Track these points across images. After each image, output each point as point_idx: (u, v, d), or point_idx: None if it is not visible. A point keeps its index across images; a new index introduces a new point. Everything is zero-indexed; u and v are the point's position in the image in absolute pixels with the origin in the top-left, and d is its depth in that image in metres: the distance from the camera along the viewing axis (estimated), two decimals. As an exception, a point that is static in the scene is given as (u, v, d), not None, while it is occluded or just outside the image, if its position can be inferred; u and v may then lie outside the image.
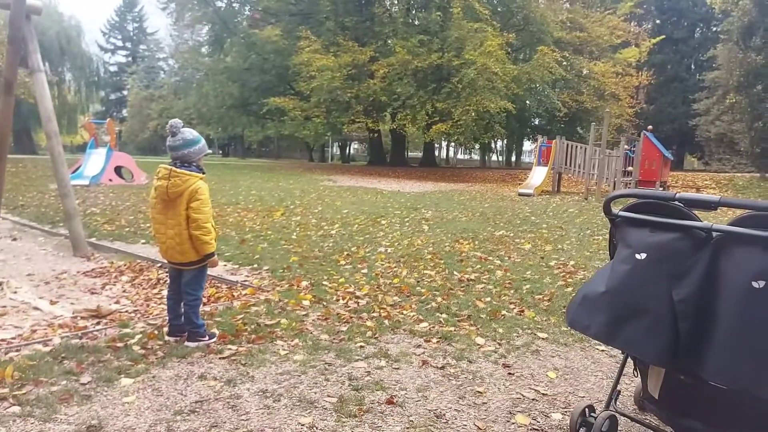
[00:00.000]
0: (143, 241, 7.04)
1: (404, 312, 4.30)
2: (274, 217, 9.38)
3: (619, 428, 2.53)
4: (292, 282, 5.01)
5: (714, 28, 31.47)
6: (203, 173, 3.42)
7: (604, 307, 2.28)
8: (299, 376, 3.03)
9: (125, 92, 59.26)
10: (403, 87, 22.19)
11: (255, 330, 3.70)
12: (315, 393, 2.83)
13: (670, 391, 2.32)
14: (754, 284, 1.88)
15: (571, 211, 11.88)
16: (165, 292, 4.72)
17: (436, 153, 41.87)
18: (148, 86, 53.93)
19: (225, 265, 5.74)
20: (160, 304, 4.43)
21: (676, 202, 2.20)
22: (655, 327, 2.09)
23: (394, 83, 22.49)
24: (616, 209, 2.46)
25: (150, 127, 50.85)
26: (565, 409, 2.79)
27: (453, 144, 45.25)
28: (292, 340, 3.55)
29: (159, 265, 5.74)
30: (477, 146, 37.38)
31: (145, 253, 6.22)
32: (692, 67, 34.48)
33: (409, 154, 43.26)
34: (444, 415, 2.66)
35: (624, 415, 2.58)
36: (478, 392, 2.92)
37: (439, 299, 4.65)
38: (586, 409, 2.52)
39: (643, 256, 2.19)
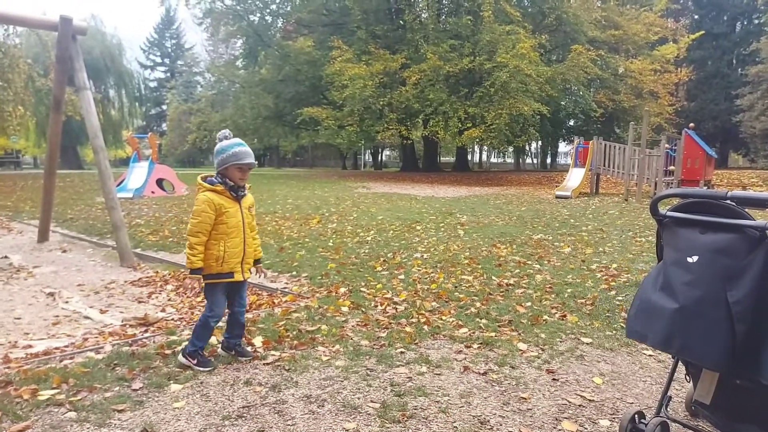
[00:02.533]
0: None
1: (443, 317, 4.28)
2: (310, 225, 9.49)
3: (671, 435, 2.45)
4: (330, 288, 5.06)
5: (756, 21, 30.37)
6: (225, 185, 3.18)
7: (657, 314, 2.22)
8: (342, 381, 3.06)
9: (164, 107, 61.11)
10: (435, 93, 22.15)
11: (297, 336, 3.75)
12: (358, 398, 2.85)
13: (726, 396, 2.24)
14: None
15: (611, 213, 11.61)
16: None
17: (469, 157, 41.58)
18: (186, 100, 55.47)
19: (265, 273, 5.83)
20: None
21: (728, 201, 2.13)
22: (711, 331, 2.03)
23: (426, 89, 22.48)
24: (663, 210, 2.40)
25: (189, 140, 52.21)
26: (614, 416, 2.72)
27: (486, 148, 44.87)
28: (333, 346, 3.58)
29: (201, 273, 5.88)
30: (511, 149, 36.98)
31: (187, 263, 6.39)
32: (734, 62, 33.31)
33: (442, 159, 43.13)
34: (488, 421, 2.64)
35: (676, 421, 2.50)
36: (523, 398, 2.88)
37: (478, 304, 4.62)
38: (636, 416, 2.45)
39: (695, 258, 2.13)
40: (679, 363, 2.50)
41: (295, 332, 3.82)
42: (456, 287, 5.21)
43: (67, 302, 4.91)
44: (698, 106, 32.05)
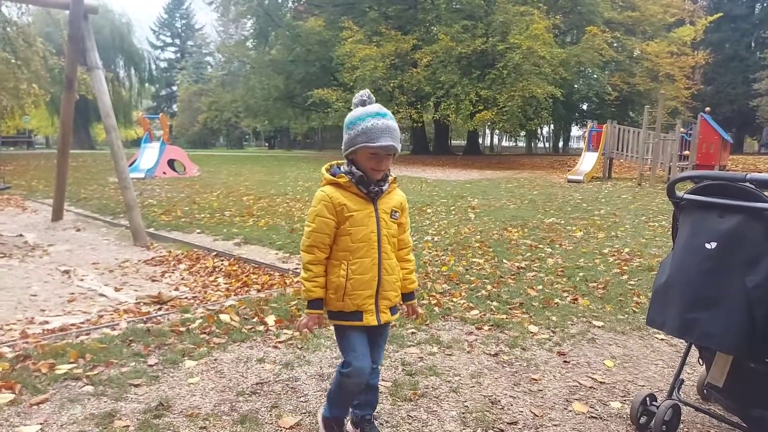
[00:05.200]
0: (198, 230, 7.28)
1: (454, 299, 4.29)
2: (321, 207, 9.51)
3: (681, 418, 2.46)
4: (342, 270, 5.08)
5: (778, 2, 29.65)
6: (352, 177, 2.03)
7: (674, 300, 2.21)
8: (354, 360, 3.08)
9: (175, 87, 61.12)
10: (446, 75, 21.92)
11: (309, 316, 3.77)
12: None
13: (740, 381, 2.23)
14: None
15: (624, 197, 11.51)
16: (221, 280, 4.90)
17: (480, 141, 41.28)
18: (197, 81, 55.43)
19: (276, 254, 5.87)
20: (216, 290, 4.59)
21: (747, 184, 2.10)
22: (731, 317, 2.01)
23: (437, 71, 22.25)
24: (680, 192, 2.38)
25: (199, 120, 52.30)
26: (624, 398, 2.72)
27: (497, 131, 44.54)
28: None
29: (214, 253, 5.94)
30: (522, 133, 36.65)
31: (200, 242, 6.44)
32: (752, 45, 32.61)
33: (453, 142, 42.87)
34: (499, 401, 2.65)
35: (687, 404, 2.50)
36: (533, 379, 2.89)
37: (489, 287, 4.62)
38: (647, 398, 2.46)
39: (714, 245, 2.11)
40: (692, 347, 2.50)
41: (307, 312, 3.84)
42: (467, 270, 5.21)
43: (82, 280, 4.98)
44: (715, 90, 31.50)
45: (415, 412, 2.53)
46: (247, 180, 15.05)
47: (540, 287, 4.65)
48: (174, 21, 62.53)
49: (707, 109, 17.83)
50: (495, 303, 4.19)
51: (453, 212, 9.12)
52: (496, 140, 55.60)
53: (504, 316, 3.88)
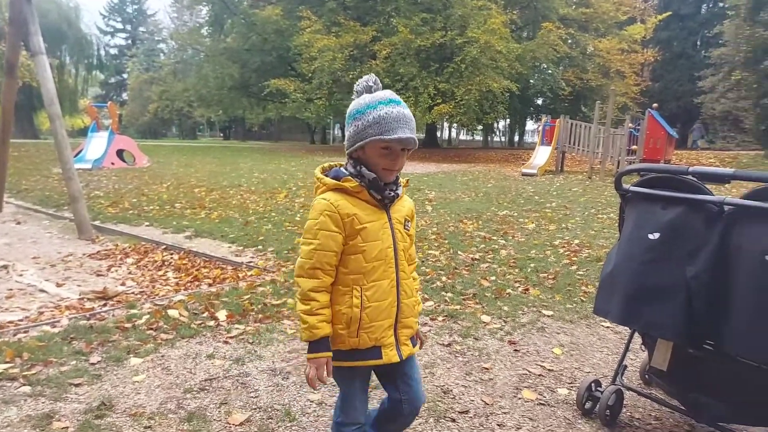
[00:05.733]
0: (147, 223, 7.04)
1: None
2: (277, 199, 9.37)
3: (624, 402, 2.54)
4: (297, 262, 5.01)
5: (721, 4, 30.96)
6: (362, 180, 1.64)
7: (619, 289, 2.27)
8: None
9: (125, 75, 58.93)
10: (405, 68, 21.94)
11: (262, 310, 3.71)
12: (323, 371, 2.85)
13: (679, 366, 2.32)
14: (767, 258, 1.87)
15: (575, 190, 11.83)
16: (170, 274, 4.76)
17: (438, 134, 41.62)
18: (148, 69, 53.59)
19: (229, 247, 5.75)
20: (165, 285, 4.45)
21: (690, 176, 2.18)
22: (671, 305, 2.09)
23: (396, 64, 22.23)
24: (627, 185, 2.44)
25: (150, 110, 50.63)
26: (571, 384, 2.80)
27: (455, 125, 45.01)
28: (298, 320, 3.56)
29: (164, 247, 5.76)
30: (480, 127, 37.17)
31: (149, 236, 6.24)
32: (698, 43, 34.04)
33: (412, 135, 43.01)
34: (451, 390, 2.68)
35: (630, 389, 2.59)
36: (485, 368, 2.93)
37: (444, 278, 4.66)
38: (593, 384, 2.53)
39: (657, 236, 2.18)
40: (635, 334, 2.58)
41: (260, 306, 3.78)
42: (423, 262, 5.24)
43: (21, 275, 4.73)
44: (662, 87, 32.73)
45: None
46: (198, 171, 14.68)
47: (493, 278, 4.72)
48: (125, 6, 60.14)
49: (654, 105, 18.51)
50: (449, 294, 4.23)
51: (410, 204, 9.15)
52: (453, 133, 56.19)
53: (458, 307, 3.92)
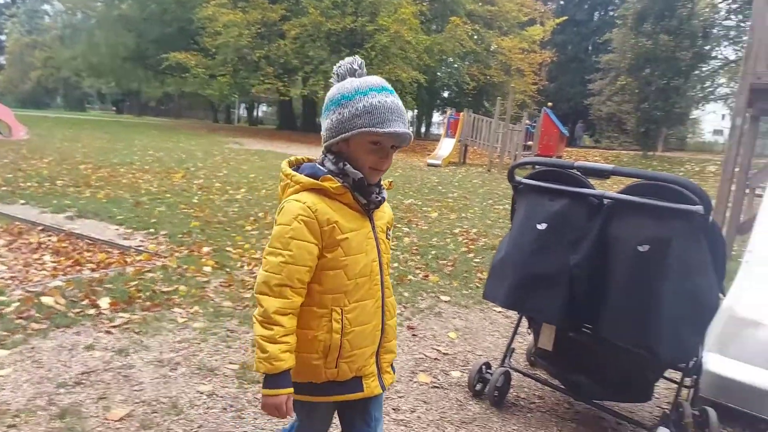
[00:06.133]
0: (23, 201, 6.36)
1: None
2: (173, 180, 8.86)
3: (512, 383, 2.68)
4: (192, 248, 4.77)
5: (611, 13, 33.50)
6: (344, 179, 1.37)
7: (508, 275, 2.38)
8: (199, 343, 2.91)
9: (3, 37, 52.76)
10: (315, 50, 21.59)
11: (150, 297, 3.48)
12: (216, 360, 2.73)
13: (560, 348, 2.48)
14: (639, 248, 2.03)
15: (475, 182, 12.33)
16: (47, 257, 4.34)
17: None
18: (31, 32, 48.37)
19: (117, 229, 5.34)
20: (41, 270, 4.04)
21: (575, 171, 2.32)
22: (555, 292, 2.22)
23: (306, 45, 21.82)
24: (519, 177, 2.55)
25: (32, 77, 45.82)
26: (464, 367, 2.90)
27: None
28: (191, 308, 3.38)
29: (40, 228, 5.24)
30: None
31: (24, 215, 5.64)
32: (590, 48, 36.60)
33: (320, 120, 42.59)
34: (348, 377, 2.68)
35: (517, 370, 2.74)
36: (383, 354, 2.96)
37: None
38: (483, 366, 2.64)
39: (544, 226, 2.30)
40: (523, 318, 2.73)
41: (148, 293, 3.54)
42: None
43: None
44: (557, 87, 34.89)
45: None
46: (86, 147, 13.51)
47: (396, 265, 4.79)
48: (1, -43, 53.72)
49: (549, 103, 19.72)
50: (351, 280, 4.22)
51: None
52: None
53: (359, 294, 3.93)
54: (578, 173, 2.32)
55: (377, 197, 1.41)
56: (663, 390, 2.82)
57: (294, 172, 1.38)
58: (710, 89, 30.19)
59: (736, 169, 5.89)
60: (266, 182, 9.36)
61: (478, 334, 3.42)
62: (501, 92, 24.51)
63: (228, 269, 4.23)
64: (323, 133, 1.39)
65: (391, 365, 1.55)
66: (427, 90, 27.67)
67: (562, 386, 2.59)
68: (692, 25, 20.86)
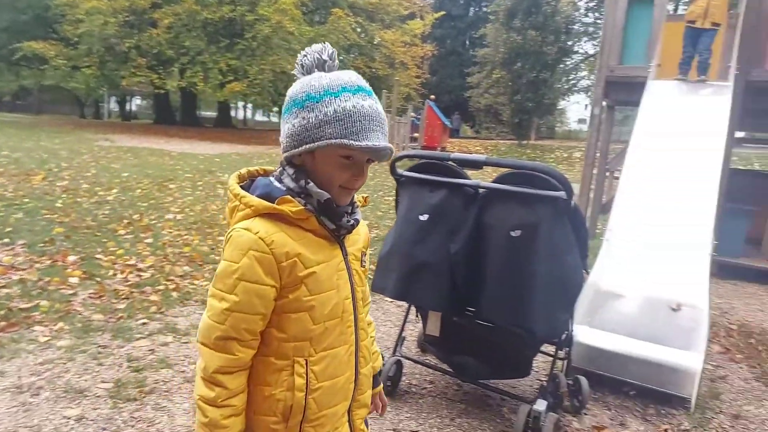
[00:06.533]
0: None
1: (196, 282, 4.03)
2: (32, 182, 7.96)
3: (404, 371, 2.73)
4: (55, 257, 4.30)
5: (485, 8, 35.35)
6: (306, 202, 1.08)
7: (395, 267, 2.41)
8: (65, 363, 2.63)
9: None
10: (191, 40, 20.45)
11: (5, 316, 3.09)
12: (85, 381, 2.48)
13: (446, 333, 2.56)
14: (512, 233, 2.14)
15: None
16: None
17: (233, 114, 40.04)
18: None
19: (-37, 242, 4.68)
20: None
21: (451, 162, 2.39)
22: (437, 280, 2.28)
23: (181, 35, 20.58)
24: (401, 170, 2.59)
25: None
26: (357, 362, 2.90)
27: (250, 105, 43.77)
28: (55, 324, 3.05)
29: None
30: (275, 109, 36.77)
31: None
32: (467, 43, 38.39)
33: (202, 113, 40.66)
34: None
35: (408, 358, 2.79)
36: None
37: (234, 265, 4.46)
38: (374, 358, 2.66)
39: (426, 217, 2.35)
40: (412, 307, 2.79)
41: (2, 312, 3.14)
42: (212, 249, 4.95)
43: None
44: (438, 80, 36.22)
45: (140, 412, 2.27)
46: (-77, 148, 11.73)
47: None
48: None
49: (432, 96, 20.41)
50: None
51: (200, 188, 8.60)
52: (249, 113, 54.60)
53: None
54: (454, 164, 2.39)
55: (348, 221, 1.12)
56: (541, 363, 3.03)
57: (243, 193, 1.09)
58: (573, 81, 33.10)
59: (597, 155, 6.48)
60: (141, 181, 8.73)
61: (370, 326, 3.44)
62: (386, 85, 24.93)
63: (98, 279, 3.88)
64: (282, 139, 1.10)
65: (365, 421, 1.29)
66: (315, 83, 27.39)
67: (450, 369, 2.68)
68: (556, 21, 22.66)
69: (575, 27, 27.83)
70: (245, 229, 1.04)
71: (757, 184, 6.02)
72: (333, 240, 1.12)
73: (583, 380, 2.58)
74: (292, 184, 1.08)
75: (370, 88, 1.09)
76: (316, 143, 1.04)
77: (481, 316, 2.32)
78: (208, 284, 3.90)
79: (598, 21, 26.29)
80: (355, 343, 1.18)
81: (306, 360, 1.09)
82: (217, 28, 21.47)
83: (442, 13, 29.99)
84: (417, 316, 2.86)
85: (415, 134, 17.35)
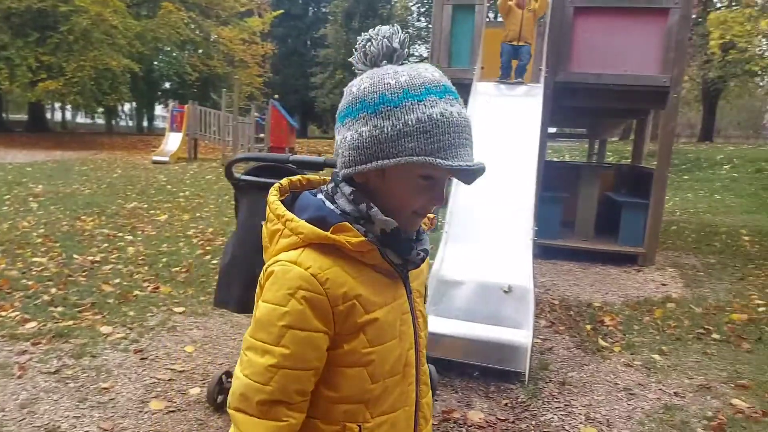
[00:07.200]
0: None
1: (3, 313, 3.46)
2: None
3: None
4: None
5: (323, 9, 35.65)
6: (368, 232, 0.85)
7: (239, 279, 2.28)
8: None
9: None
10: (-9, 33, 17.67)
11: None
12: None
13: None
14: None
15: (208, 178, 11.81)
16: None
17: (49, 116, 35.45)
18: None
19: None
20: None
21: (290, 165, 2.33)
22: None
23: (-23, 27, 17.67)
24: (237, 174, 2.46)
25: None
26: (204, 381, 2.72)
27: (69, 105, 39.14)
28: None
29: None
30: (100, 109, 33.29)
31: None
32: (308, 43, 38.41)
33: (10, 115, 35.41)
34: (59, 427, 2.24)
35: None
36: (104, 389, 2.57)
37: (53, 290, 3.92)
38: (223, 376, 2.51)
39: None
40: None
41: None
42: (24, 273, 4.30)
43: None
44: (282, 80, 35.72)
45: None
46: None
47: (117, 281, 4.24)
48: None
49: (276, 96, 20.08)
50: (60, 308, 3.58)
51: (7, 202, 7.45)
52: (69, 116, 48.74)
53: (71, 323, 3.35)
54: (294, 167, 2.34)
55: (418, 253, 0.91)
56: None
57: (290, 215, 0.86)
58: (411, 82, 34.76)
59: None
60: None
61: (219, 342, 3.25)
62: (227, 84, 23.94)
63: None
64: (342, 151, 0.86)
65: None
66: (145, 80, 25.38)
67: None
68: (392, 24, 23.67)
69: (409, 31, 29.33)
70: (292, 263, 0.83)
71: (568, 174, 6.86)
72: (396, 276, 0.91)
73: (432, 368, 2.70)
74: (348, 207, 0.86)
75: (454, 88, 0.86)
76: (391, 160, 0.81)
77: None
78: (19, 314, 3.39)
79: (430, 26, 28.03)
80: (416, 403, 0.97)
81: (360, 426, 0.88)
82: (24, 20, 18.80)
83: (281, 11, 29.62)
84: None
85: (261, 134, 16.90)
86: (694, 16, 15.84)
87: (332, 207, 0.87)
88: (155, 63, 25.31)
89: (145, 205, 7.83)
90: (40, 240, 5.37)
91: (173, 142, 16.23)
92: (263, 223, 0.93)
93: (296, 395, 0.83)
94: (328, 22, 27.84)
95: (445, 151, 0.80)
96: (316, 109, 32.26)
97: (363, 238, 0.83)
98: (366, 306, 0.85)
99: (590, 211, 6.47)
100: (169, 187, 10.03)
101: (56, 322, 3.33)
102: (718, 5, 20.46)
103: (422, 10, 31.15)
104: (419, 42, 31.88)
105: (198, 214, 7.34)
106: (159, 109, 39.86)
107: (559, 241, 5.93)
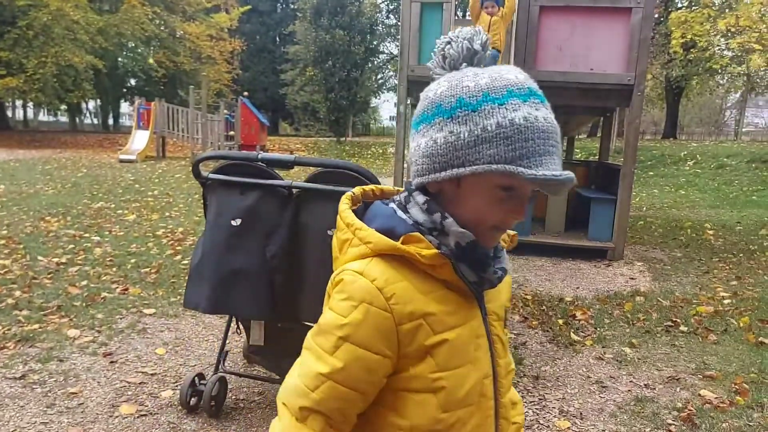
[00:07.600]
0: None
1: (-37, 320, 3.34)
2: None
3: (230, 387, 2.58)
4: None
5: (292, 5, 35.28)
6: (443, 246, 0.79)
7: (209, 279, 2.25)
8: None
9: None
10: (-57, 26, 16.97)
11: None
12: None
13: (272, 340, 2.48)
14: (329, 232, 2.14)
15: (178, 176, 11.60)
16: None
17: (9, 113, 34.21)
18: None
19: None
20: None
21: (260, 163, 2.30)
22: (256, 286, 2.18)
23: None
24: (207, 172, 2.42)
25: None
26: (176, 384, 2.67)
27: (31, 103, 37.86)
28: None
29: None
30: (64, 107, 32.29)
31: None
32: (278, 39, 37.96)
33: (-33, 114, 34.03)
34: (26, 435, 2.18)
35: (233, 373, 2.65)
36: (72, 393, 2.51)
37: (17, 293, 3.80)
38: (196, 378, 2.47)
39: (239, 221, 2.23)
40: (233, 318, 2.64)
41: None
42: (-15, 279, 4.16)
43: None
44: (251, 77, 35.22)
45: None
46: None
47: (85, 283, 4.13)
48: None
49: (245, 93, 19.79)
50: (25, 312, 3.47)
51: (-35, 204, 7.18)
52: (31, 113, 47.12)
53: (36, 326, 3.25)
54: (263, 165, 2.31)
55: (495, 271, 0.84)
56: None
57: (359, 223, 0.82)
58: (382, 80, 34.83)
59: (406, 150, 6.89)
60: None
61: (191, 344, 3.19)
62: (194, 80, 23.50)
63: None
64: (416, 159, 0.81)
65: None
66: (109, 77, 24.75)
67: (279, 376, 2.60)
68: (361, 22, 23.58)
69: (379, 28, 29.27)
70: (359, 272, 0.78)
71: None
72: (470, 295, 0.83)
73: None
74: (421, 217, 0.80)
75: (540, 90, 0.78)
76: (467, 168, 0.75)
77: (301, 318, 2.28)
78: (-20, 321, 3.27)
79: (399, 23, 28.05)
80: (495, 424, 0.87)
81: None
82: (-22, 14, 18.13)
83: (248, 7, 29.18)
84: (238, 329, 2.72)
85: (231, 132, 16.65)
86: (656, 15, 16.27)
87: (404, 216, 0.82)
88: (120, 59, 24.70)
89: (113, 205, 7.65)
90: (2, 242, 5.19)
91: (140, 140, 15.87)
92: (332, 231, 0.86)
93: (337, 413, 0.78)
94: (297, 19, 27.53)
95: (528, 159, 0.73)
96: (287, 106, 31.93)
97: (436, 251, 0.77)
98: (435, 326, 0.78)
99: (560, 207, 6.59)
100: (136, 186, 9.82)
101: (21, 326, 3.23)
102: (679, 5, 21.06)
103: (391, 7, 31.10)
104: (389, 39, 31.86)
105: (167, 214, 7.20)
106: (125, 107, 38.87)
107: (531, 237, 6.03)
